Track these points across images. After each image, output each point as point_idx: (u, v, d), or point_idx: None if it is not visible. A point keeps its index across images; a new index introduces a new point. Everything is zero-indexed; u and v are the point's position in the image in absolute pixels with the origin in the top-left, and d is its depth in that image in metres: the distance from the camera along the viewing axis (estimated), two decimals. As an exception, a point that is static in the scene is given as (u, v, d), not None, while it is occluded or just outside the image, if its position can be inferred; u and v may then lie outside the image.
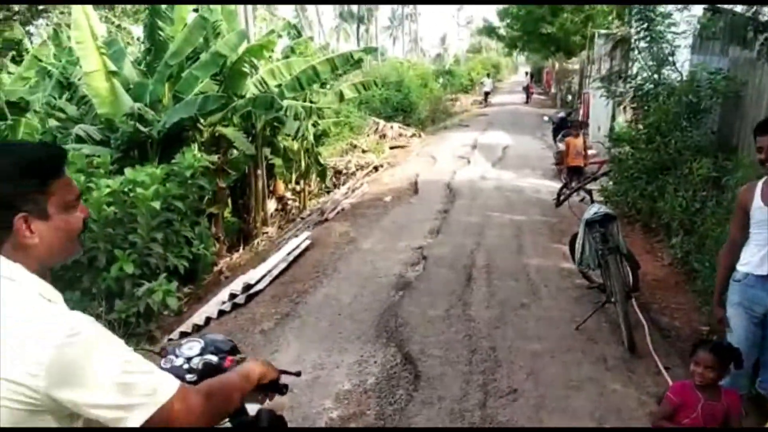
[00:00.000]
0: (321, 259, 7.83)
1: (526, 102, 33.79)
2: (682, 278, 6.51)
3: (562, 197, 6.20)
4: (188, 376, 1.88)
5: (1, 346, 1.25)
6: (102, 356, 1.31)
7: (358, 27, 62.89)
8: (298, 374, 1.95)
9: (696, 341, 3.26)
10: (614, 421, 3.96)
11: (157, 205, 7.95)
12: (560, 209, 7.17)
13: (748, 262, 3.42)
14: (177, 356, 1.98)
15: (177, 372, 1.81)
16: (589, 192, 6.13)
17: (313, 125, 13.25)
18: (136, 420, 1.34)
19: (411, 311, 5.86)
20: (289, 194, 14.71)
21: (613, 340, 5.13)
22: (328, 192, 14.69)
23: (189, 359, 1.96)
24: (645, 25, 8.37)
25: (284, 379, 1.94)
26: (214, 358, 1.93)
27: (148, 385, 1.37)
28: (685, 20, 8.46)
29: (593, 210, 5.40)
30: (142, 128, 9.46)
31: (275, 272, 7.36)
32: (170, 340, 6.44)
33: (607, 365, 4.72)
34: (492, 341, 5.15)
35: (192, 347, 2.01)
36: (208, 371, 1.89)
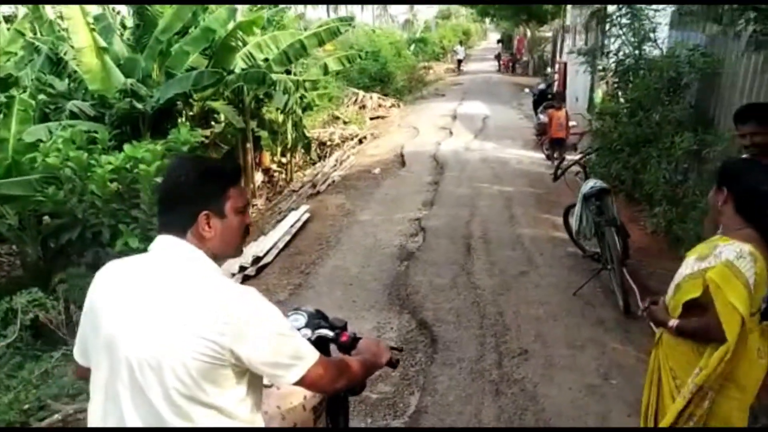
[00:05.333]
0: (322, 231, 8.16)
1: (498, 70, 34.16)
2: (666, 246, 7.00)
3: (559, 172, 6.61)
4: None
5: (194, 312, 1.60)
6: (269, 319, 1.67)
7: (328, -7, 61.96)
8: (400, 350, 2.29)
9: None
10: (618, 375, 4.43)
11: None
12: (553, 182, 7.56)
13: None
14: None
15: None
16: (584, 167, 6.54)
17: (300, 98, 13.43)
18: (291, 378, 1.70)
19: (419, 280, 6.25)
20: (274, 166, 14.94)
21: (608, 303, 5.61)
22: (314, 164, 14.94)
23: (298, 330, 2.31)
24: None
25: None
26: (330, 333, 2.28)
27: (297, 349, 1.72)
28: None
29: (590, 184, 5.82)
30: (137, 104, 9.60)
31: (280, 245, 7.67)
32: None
33: (605, 327, 5.19)
34: (498, 307, 5.59)
35: (297, 320, 2.37)
36: (322, 343, 2.25)
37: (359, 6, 76.35)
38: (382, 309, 5.73)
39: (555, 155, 11.38)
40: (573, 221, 6.16)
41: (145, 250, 6.08)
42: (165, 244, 1.74)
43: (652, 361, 2.75)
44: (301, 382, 1.73)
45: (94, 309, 1.74)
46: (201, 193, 1.73)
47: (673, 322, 2.48)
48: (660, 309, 2.61)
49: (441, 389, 4.33)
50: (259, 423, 1.80)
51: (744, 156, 3.84)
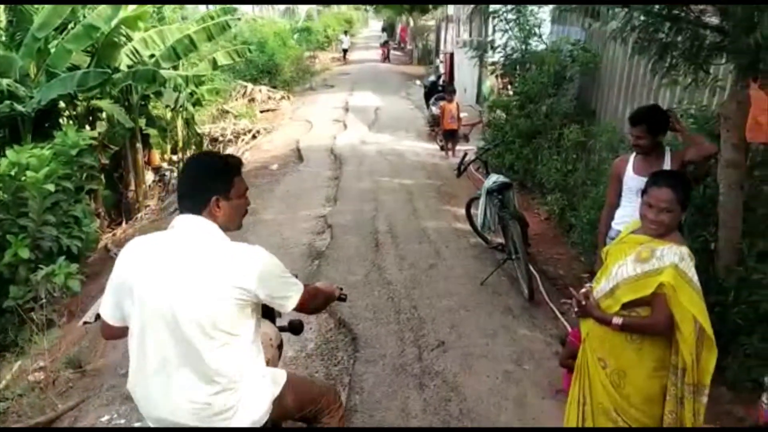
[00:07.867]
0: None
1: (384, 60, 34.55)
2: (559, 231, 7.46)
3: (462, 167, 6.88)
4: None
5: (223, 268, 2.23)
6: (275, 266, 2.36)
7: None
8: (342, 289, 2.91)
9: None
10: (529, 361, 4.73)
11: (51, 187, 7.76)
12: (457, 178, 7.86)
13: (621, 221, 4.20)
14: None
15: None
16: (485, 162, 6.84)
17: (191, 94, 13.08)
18: (291, 305, 2.41)
19: (332, 278, 6.31)
20: (165, 165, 14.48)
21: (513, 291, 5.94)
22: (206, 160, 14.59)
23: None
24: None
25: None
26: None
27: (294, 283, 2.44)
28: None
29: (492, 179, 6.12)
30: (17, 106, 9.03)
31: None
32: (86, 323, 6.46)
33: (513, 314, 5.50)
34: (412, 301, 5.79)
35: None
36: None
37: (238, -7, 74.41)
38: (299, 310, 5.76)
39: (448, 146, 11.78)
40: (477, 214, 6.46)
41: (36, 260, 5.82)
42: (187, 221, 2.32)
43: (580, 356, 2.99)
44: (296, 307, 2.43)
45: (128, 279, 2.27)
46: (214, 183, 2.33)
47: (618, 320, 2.71)
48: (595, 306, 2.83)
49: (367, 387, 4.45)
50: (260, 343, 2.47)
51: (633, 153, 4.22)
